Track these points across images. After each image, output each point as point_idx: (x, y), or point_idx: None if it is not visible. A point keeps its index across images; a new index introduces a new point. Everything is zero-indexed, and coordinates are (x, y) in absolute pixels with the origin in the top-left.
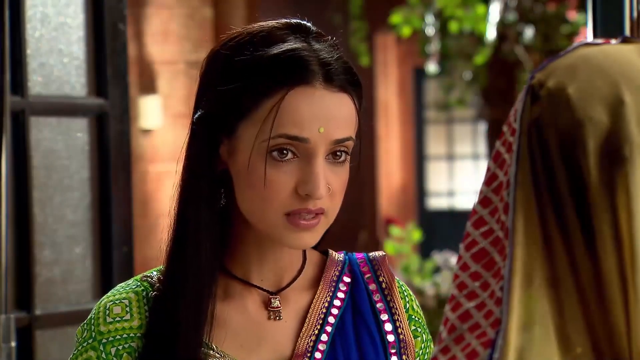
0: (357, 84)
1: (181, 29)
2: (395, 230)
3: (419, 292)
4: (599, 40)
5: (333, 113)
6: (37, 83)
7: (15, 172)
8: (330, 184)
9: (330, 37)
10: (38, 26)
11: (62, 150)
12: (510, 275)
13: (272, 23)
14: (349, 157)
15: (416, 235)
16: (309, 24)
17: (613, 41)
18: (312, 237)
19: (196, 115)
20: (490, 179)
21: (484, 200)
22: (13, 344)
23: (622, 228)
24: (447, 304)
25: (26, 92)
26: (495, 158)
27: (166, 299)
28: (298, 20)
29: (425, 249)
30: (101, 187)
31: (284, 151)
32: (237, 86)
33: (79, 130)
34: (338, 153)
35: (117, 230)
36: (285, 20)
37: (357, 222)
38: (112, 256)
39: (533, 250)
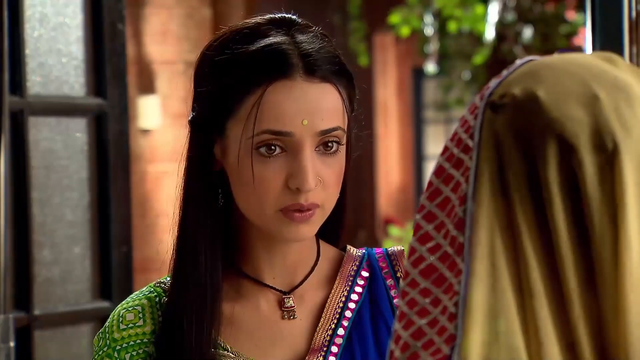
0: (342, 73)
1: (180, 29)
2: (394, 230)
3: None
4: (541, 57)
5: (316, 105)
6: (36, 83)
7: (14, 172)
8: (322, 175)
9: (316, 28)
10: (37, 26)
11: (61, 150)
12: (467, 290)
13: (256, 19)
14: (342, 147)
15: None
16: (294, 17)
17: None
18: (309, 229)
19: (189, 118)
20: (433, 193)
21: (428, 215)
22: (12, 344)
23: (623, 219)
24: (396, 321)
25: (25, 92)
26: (437, 173)
27: (173, 302)
28: (283, 14)
29: None
30: (100, 187)
31: (272, 147)
32: (221, 85)
33: (77, 130)
34: (329, 144)
35: (116, 230)
36: (270, 16)
37: (356, 221)
38: (111, 256)
39: (500, 264)
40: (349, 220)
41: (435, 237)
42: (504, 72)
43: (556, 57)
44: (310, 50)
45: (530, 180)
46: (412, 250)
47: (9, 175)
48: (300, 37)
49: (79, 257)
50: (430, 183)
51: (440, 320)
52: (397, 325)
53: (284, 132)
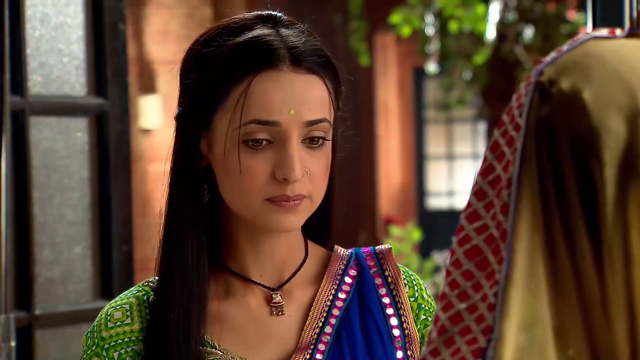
0: (328, 66)
1: (181, 28)
2: (395, 230)
3: None
4: (605, 33)
5: (303, 95)
6: (37, 83)
7: (15, 171)
8: (308, 167)
9: (301, 24)
10: (38, 26)
11: (61, 150)
12: (507, 283)
13: (243, 15)
14: (328, 143)
15: (416, 235)
16: (279, 14)
17: (618, 32)
18: (297, 219)
19: (175, 114)
20: (486, 170)
21: (479, 192)
22: (13, 343)
23: (633, 244)
24: (438, 301)
25: (26, 91)
26: (493, 148)
27: (160, 299)
28: (269, 12)
29: (425, 249)
30: (101, 187)
31: (259, 140)
32: (207, 77)
33: (78, 130)
34: (315, 139)
35: (117, 229)
36: (257, 12)
37: (357, 221)
38: (111, 256)
39: (535, 257)
40: (350, 221)
41: (484, 216)
42: (565, 47)
43: (612, 50)
44: (296, 42)
45: (558, 182)
46: (460, 229)
47: (9, 175)
48: (286, 32)
49: (80, 256)
50: (485, 158)
51: (479, 308)
52: (437, 306)
53: (271, 121)
